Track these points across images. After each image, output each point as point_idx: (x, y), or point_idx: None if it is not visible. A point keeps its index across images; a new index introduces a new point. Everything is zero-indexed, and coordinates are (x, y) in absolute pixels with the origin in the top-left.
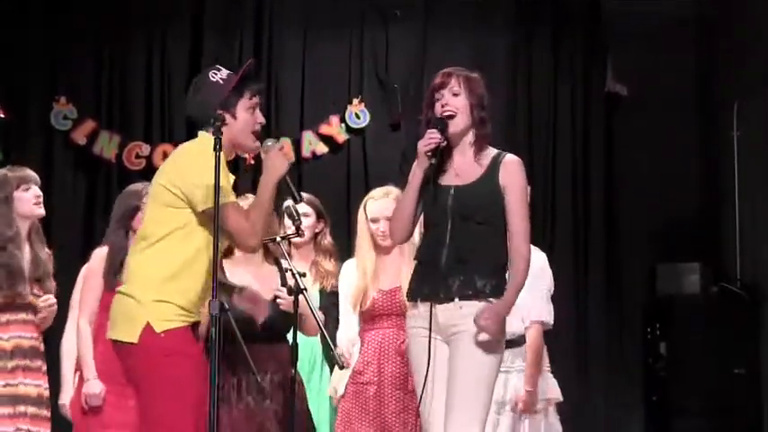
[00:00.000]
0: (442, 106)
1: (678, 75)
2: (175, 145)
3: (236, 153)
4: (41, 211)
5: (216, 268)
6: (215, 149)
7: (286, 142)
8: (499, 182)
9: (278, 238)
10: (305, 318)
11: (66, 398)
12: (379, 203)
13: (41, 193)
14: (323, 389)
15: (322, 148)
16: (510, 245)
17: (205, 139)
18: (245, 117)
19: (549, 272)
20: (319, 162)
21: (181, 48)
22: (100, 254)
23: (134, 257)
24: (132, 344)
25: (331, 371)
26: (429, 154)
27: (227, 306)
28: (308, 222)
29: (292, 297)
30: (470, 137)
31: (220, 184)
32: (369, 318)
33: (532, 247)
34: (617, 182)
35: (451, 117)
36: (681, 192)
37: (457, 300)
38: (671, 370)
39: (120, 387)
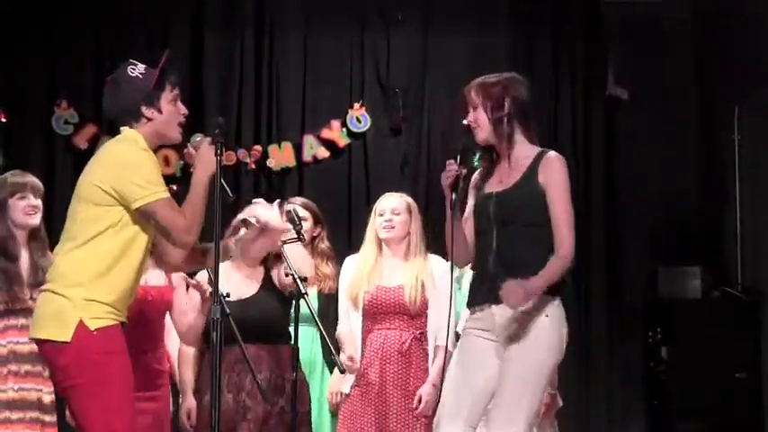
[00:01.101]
0: (468, 123)
1: (678, 77)
2: (177, 150)
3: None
4: (34, 221)
5: (217, 270)
6: (217, 155)
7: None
8: (539, 181)
9: (279, 243)
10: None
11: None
12: (389, 198)
13: (38, 203)
14: (323, 391)
15: (323, 153)
16: (556, 244)
17: (130, 134)
18: (169, 109)
19: None
20: (320, 166)
21: (181, 53)
22: None
23: (64, 257)
24: (65, 343)
25: (331, 373)
26: (450, 187)
27: (227, 311)
28: (305, 227)
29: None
30: (496, 140)
31: (154, 180)
32: (371, 315)
33: None
34: (617, 185)
35: (475, 130)
36: (681, 195)
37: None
38: (672, 374)
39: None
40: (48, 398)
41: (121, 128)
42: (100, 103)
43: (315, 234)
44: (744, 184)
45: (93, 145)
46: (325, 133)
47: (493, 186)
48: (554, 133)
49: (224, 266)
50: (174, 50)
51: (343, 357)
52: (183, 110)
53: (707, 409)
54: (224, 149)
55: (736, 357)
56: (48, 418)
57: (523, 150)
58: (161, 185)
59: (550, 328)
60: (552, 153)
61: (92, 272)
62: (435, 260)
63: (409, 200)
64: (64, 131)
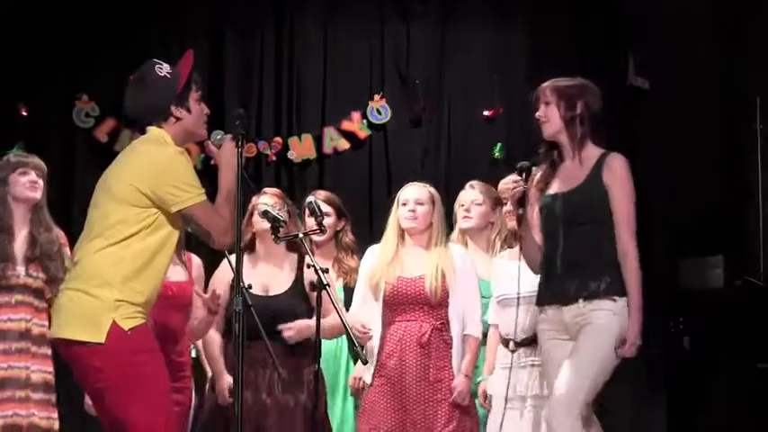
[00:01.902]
0: (537, 118)
1: (700, 67)
2: (198, 143)
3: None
4: (35, 194)
5: (240, 261)
6: (238, 147)
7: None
8: (603, 181)
9: (300, 235)
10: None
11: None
12: (412, 188)
13: (38, 180)
14: (348, 391)
15: (343, 145)
16: (618, 245)
17: (159, 134)
18: (197, 109)
19: None
20: (341, 158)
21: (201, 46)
22: None
23: (94, 256)
24: (98, 344)
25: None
26: (518, 202)
27: (249, 302)
28: (328, 221)
29: (299, 325)
30: (567, 138)
31: (193, 182)
32: (392, 306)
33: None
34: (639, 176)
35: (544, 125)
36: (703, 185)
37: (580, 301)
38: (694, 364)
39: None
40: (36, 376)
41: (148, 127)
42: (120, 96)
43: (338, 228)
44: (765, 173)
45: (114, 138)
46: (346, 125)
47: (558, 187)
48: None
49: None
50: (195, 43)
51: (357, 326)
52: (207, 110)
53: (729, 398)
54: (245, 142)
55: (758, 347)
56: (37, 396)
57: (589, 151)
58: (199, 187)
59: (617, 324)
60: (616, 154)
61: (124, 273)
62: (456, 250)
63: (432, 190)
64: (85, 125)
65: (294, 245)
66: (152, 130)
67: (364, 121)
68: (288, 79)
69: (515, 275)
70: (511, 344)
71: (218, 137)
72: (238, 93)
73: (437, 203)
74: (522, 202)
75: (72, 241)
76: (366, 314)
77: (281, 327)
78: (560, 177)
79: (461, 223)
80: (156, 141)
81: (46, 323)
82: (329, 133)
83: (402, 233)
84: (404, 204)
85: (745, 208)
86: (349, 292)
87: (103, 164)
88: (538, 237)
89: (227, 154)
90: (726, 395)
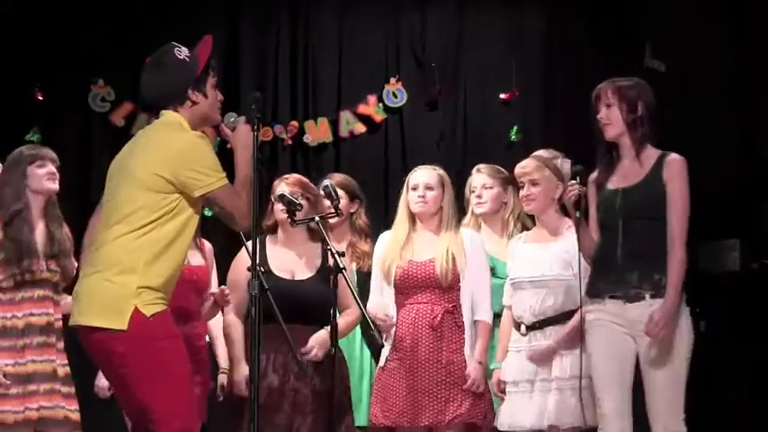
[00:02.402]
0: (599, 120)
1: (717, 49)
2: (213, 126)
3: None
4: (54, 186)
5: (255, 248)
6: (254, 130)
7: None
8: (663, 179)
9: (316, 218)
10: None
11: (103, 379)
12: (421, 172)
13: (56, 171)
14: (363, 368)
15: (360, 128)
16: (668, 245)
17: (175, 118)
18: (212, 94)
19: None
20: (357, 142)
21: (217, 31)
22: None
23: (114, 243)
24: (121, 331)
25: (370, 350)
26: (575, 205)
27: (266, 286)
28: (341, 204)
29: (319, 340)
30: (627, 139)
31: (215, 166)
32: (403, 290)
33: (568, 223)
34: None
35: (606, 126)
36: (720, 169)
37: (647, 297)
38: (711, 347)
39: None
40: (62, 370)
41: (162, 111)
42: (137, 81)
43: (352, 210)
44: None
45: (130, 122)
46: (362, 108)
47: (617, 183)
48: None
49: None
50: (211, 27)
51: (380, 315)
52: (221, 96)
53: (746, 381)
54: (260, 125)
55: None
56: (65, 389)
57: (648, 150)
58: (221, 171)
59: (686, 325)
60: (675, 155)
61: (146, 258)
62: (467, 233)
63: (441, 172)
64: (101, 109)
65: (315, 232)
66: (167, 113)
67: (380, 104)
68: (303, 63)
69: (529, 259)
70: (522, 327)
71: (232, 119)
72: (254, 77)
73: (447, 186)
74: (578, 204)
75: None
76: (384, 302)
77: (303, 355)
78: (619, 174)
79: (475, 209)
80: (174, 126)
81: (61, 317)
82: (345, 117)
83: (413, 217)
84: (413, 189)
85: (762, 191)
86: (362, 276)
87: (120, 148)
88: (595, 234)
89: (243, 136)
90: (742, 378)
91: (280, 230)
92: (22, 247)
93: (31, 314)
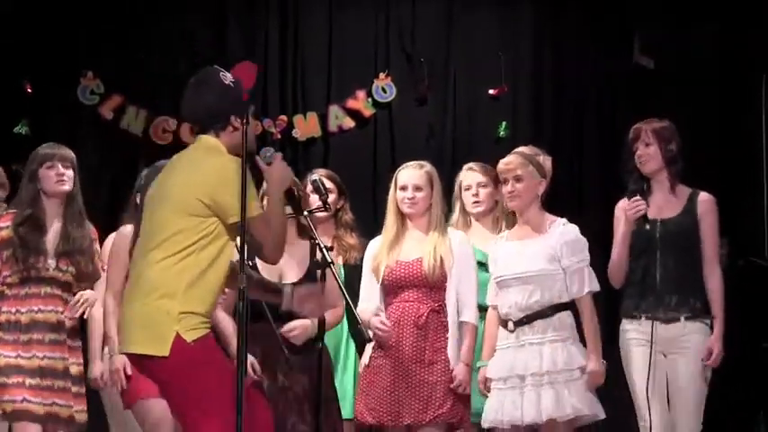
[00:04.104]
0: (639, 156)
1: (704, 45)
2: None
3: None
4: (64, 188)
5: (243, 245)
6: (243, 124)
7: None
8: (697, 216)
9: (305, 212)
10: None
11: (96, 370)
12: (410, 171)
13: (68, 172)
14: (348, 363)
15: (348, 123)
16: (705, 266)
17: (215, 144)
18: (252, 122)
19: (585, 241)
20: (346, 136)
21: (206, 22)
22: (123, 232)
23: (154, 267)
24: (163, 358)
25: (356, 345)
26: (637, 221)
27: (254, 278)
28: (329, 198)
29: (303, 324)
30: (665, 174)
31: (254, 195)
32: (391, 289)
33: (564, 219)
34: None
35: (646, 162)
36: (708, 166)
37: (683, 320)
38: None
39: None
40: (75, 368)
41: (200, 135)
42: (126, 73)
43: (339, 206)
44: None
45: (119, 115)
46: (351, 103)
47: (655, 213)
48: (581, 104)
49: None
50: (200, 20)
51: (375, 321)
52: (259, 127)
53: (733, 378)
54: (249, 119)
55: (762, 327)
56: (77, 389)
57: (680, 186)
58: (258, 200)
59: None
60: (705, 194)
61: (186, 283)
62: (454, 234)
63: (429, 169)
64: (90, 102)
65: (303, 228)
66: (206, 138)
67: (369, 99)
68: (293, 58)
69: (513, 256)
70: (510, 324)
71: (268, 154)
72: None
73: (435, 184)
74: (644, 220)
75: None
76: (375, 307)
77: (284, 331)
78: (655, 206)
79: (472, 208)
80: (213, 151)
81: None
82: (334, 111)
83: (402, 216)
84: (402, 189)
85: (750, 189)
86: (348, 269)
87: (108, 141)
88: (623, 254)
89: (277, 173)
90: (731, 374)
91: None
92: (29, 245)
93: (39, 311)
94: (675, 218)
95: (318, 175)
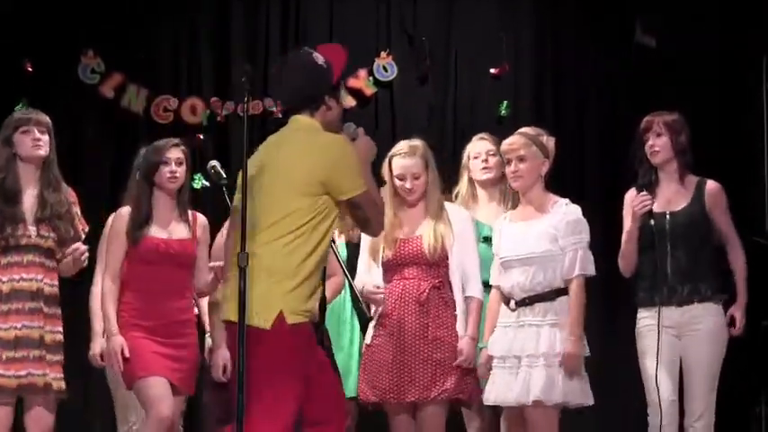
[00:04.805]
0: (650, 147)
1: (705, 27)
2: (204, 99)
3: None
4: (40, 152)
5: (245, 224)
6: (245, 102)
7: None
8: (705, 205)
9: None
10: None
11: (96, 347)
12: (406, 161)
13: (44, 137)
14: (353, 340)
15: (350, 102)
16: (730, 252)
17: (313, 123)
18: (341, 103)
19: (586, 223)
20: (347, 115)
21: (209, 4)
22: (121, 213)
23: (264, 248)
24: (263, 330)
25: (360, 322)
26: (644, 215)
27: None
28: None
29: None
30: (674, 165)
31: (360, 171)
32: (391, 267)
33: (567, 200)
34: None
35: (656, 153)
36: (710, 146)
37: (695, 303)
38: None
39: (156, 334)
40: (49, 336)
41: (294, 117)
42: (126, 52)
43: None
44: None
45: (120, 94)
46: (352, 82)
47: (664, 206)
48: (582, 86)
49: None
50: (202, 3)
51: (369, 287)
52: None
53: (734, 355)
54: (251, 98)
55: (762, 306)
56: (51, 356)
57: (689, 176)
58: (362, 176)
59: (724, 325)
60: (712, 182)
61: (297, 261)
62: (453, 209)
63: (423, 152)
64: (90, 80)
65: None
66: (302, 119)
67: (370, 78)
68: (294, 36)
69: (517, 236)
70: (512, 302)
71: (351, 129)
72: (245, 49)
73: (430, 164)
74: (647, 215)
75: (81, 198)
76: (372, 280)
77: None
78: (663, 198)
79: (480, 175)
80: (316, 130)
81: (56, 283)
82: None
83: (400, 198)
84: (400, 179)
85: (752, 168)
86: (351, 247)
87: (109, 120)
88: (633, 246)
89: (364, 148)
90: (731, 353)
91: None
92: (5, 214)
93: (20, 279)
94: (684, 209)
95: None
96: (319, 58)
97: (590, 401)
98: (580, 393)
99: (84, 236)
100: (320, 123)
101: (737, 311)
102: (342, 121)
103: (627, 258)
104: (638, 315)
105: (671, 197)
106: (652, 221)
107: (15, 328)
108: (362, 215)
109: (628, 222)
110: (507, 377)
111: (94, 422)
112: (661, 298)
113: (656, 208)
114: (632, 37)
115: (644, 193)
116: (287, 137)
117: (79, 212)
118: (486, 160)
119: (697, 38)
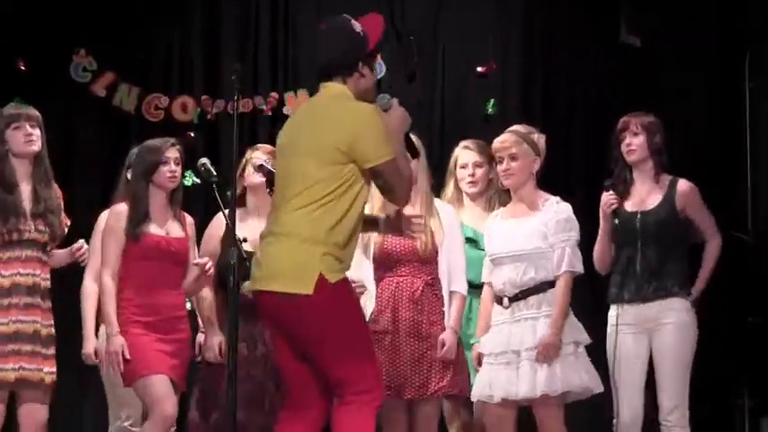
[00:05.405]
0: (627, 146)
1: (690, 25)
2: (194, 97)
3: None
4: (33, 148)
5: (234, 219)
6: (235, 100)
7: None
8: (677, 205)
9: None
10: None
11: (89, 347)
12: None
13: (35, 132)
14: None
15: None
16: (706, 236)
17: (343, 90)
18: (374, 72)
19: (576, 222)
20: None
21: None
22: (117, 210)
23: (292, 214)
24: (306, 296)
25: None
26: (612, 215)
27: (244, 255)
28: None
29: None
30: (649, 164)
31: (385, 138)
32: (382, 264)
33: (558, 198)
34: None
35: (633, 152)
36: (693, 143)
37: (662, 299)
38: None
39: (155, 330)
40: (45, 330)
41: (325, 84)
42: (118, 50)
43: None
44: (755, 130)
45: (112, 93)
46: None
47: (636, 206)
48: (572, 80)
49: (239, 213)
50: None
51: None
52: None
53: (722, 351)
54: (241, 96)
55: (748, 302)
56: (45, 350)
57: (663, 175)
58: (389, 145)
59: (691, 321)
60: (684, 181)
61: (326, 228)
62: (442, 206)
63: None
64: (82, 79)
65: None
66: (332, 86)
67: None
68: (284, 35)
69: (508, 233)
70: (505, 300)
71: (385, 100)
72: (235, 48)
73: (421, 164)
74: (615, 212)
75: (70, 198)
76: (362, 276)
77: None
78: (637, 197)
79: (467, 188)
80: (344, 97)
81: (49, 277)
82: None
83: None
84: None
85: (735, 166)
86: None
87: (101, 119)
88: (607, 245)
89: (397, 118)
90: (718, 349)
91: (250, 198)
92: (8, 207)
93: (18, 274)
94: (655, 209)
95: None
96: (356, 25)
97: (599, 388)
98: (586, 379)
99: (66, 231)
100: (353, 92)
101: (700, 282)
102: (376, 91)
103: (599, 256)
104: (609, 312)
105: (644, 196)
106: (616, 221)
107: (13, 322)
108: (387, 184)
109: (601, 225)
110: (506, 372)
111: (86, 416)
112: (630, 295)
113: (629, 207)
114: (618, 37)
115: (611, 192)
116: (317, 104)
117: (62, 207)
118: (472, 174)
119: (683, 36)
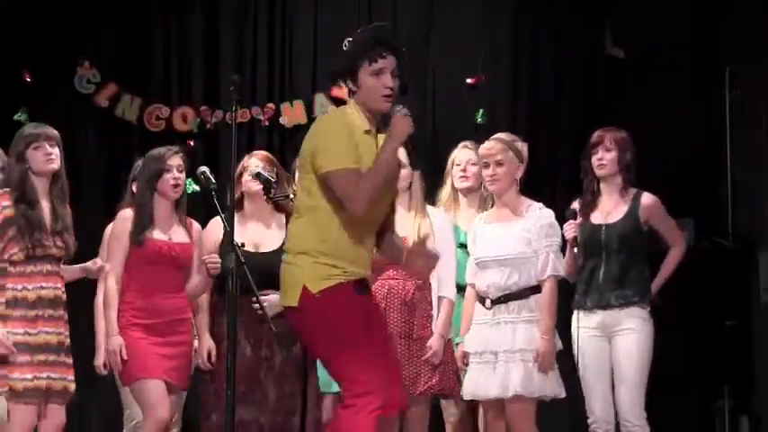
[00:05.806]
0: (599, 160)
1: (673, 34)
2: (194, 107)
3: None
4: (53, 166)
5: (232, 223)
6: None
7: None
8: (640, 218)
9: (291, 196)
10: None
11: (101, 358)
12: None
13: (54, 151)
14: None
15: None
16: (671, 245)
17: (350, 101)
18: (369, 81)
19: (558, 227)
20: None
21: (197, 13)
22: (123, 216)
23: (290, 229)
24: (293, 308)
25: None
26: (574, 240)
27: (242, 260)
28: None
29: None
30: (618, 180)
31: (340, 149)
32: (375, 267)
33: (540, 204)
34: None
35: (603, 166)
36: (675, 151)
37: (622, 307)
38: (664, 323)
39: (155, 333)
40: (66, 341)
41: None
42: (121, 62)
43: None
44: (734, 138)
45: (115, 104)
46: (336, 92)
47: (601, 218)
48: (555, 88)
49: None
50: (190, 10)
51: None
52: (388, 83)
53: (698, 354)
54: (239, 107)
55: (726, 305)
56: (67, 359)
57: (629, 189)
58: (345, 156)
59: (650, 329)
60: (647, 195)
61: (313, 239)
62: (434, 212)
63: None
64: (86, 91)
65: (281, 205)
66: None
67: None
68: (280, 47)
69: (492, 238)
70: (487, 302)
71: (396, 109)
72: (233, 60)
73: (416, 173)
74: (575, 239)
75: (76, 203)
76: None
77: (259, 300)
78: (602, 210)
79: (459, 183)
80: (336, 109)
81: (65, 289)
82: (319, 99)
83: None
84: None
85: (715, 172)
86: None
87: (104, 129)
88: (572, 259)
89: (398, 127)
90: (696, 351)
91: (247, 203)
92: (32, 222)
93: (42, 287)
94: (619, 222)
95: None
96: (353, 39)
97: (563, 394)
98: (556, 386)
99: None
100: (358, 103)
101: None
102: (392, 104)
103: (567, 266)
104: (573, 317)
105: (610, 209)
106: (575, 248)
107: (42, 332)
108: (336, 195)
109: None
110: (485, 371)
111: (91, 419)
112: (592, 303)
113: (595, 219)
114: (602, 45)
115: (570, 222)
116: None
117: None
118: (464, 170)
119: (667, 44)
